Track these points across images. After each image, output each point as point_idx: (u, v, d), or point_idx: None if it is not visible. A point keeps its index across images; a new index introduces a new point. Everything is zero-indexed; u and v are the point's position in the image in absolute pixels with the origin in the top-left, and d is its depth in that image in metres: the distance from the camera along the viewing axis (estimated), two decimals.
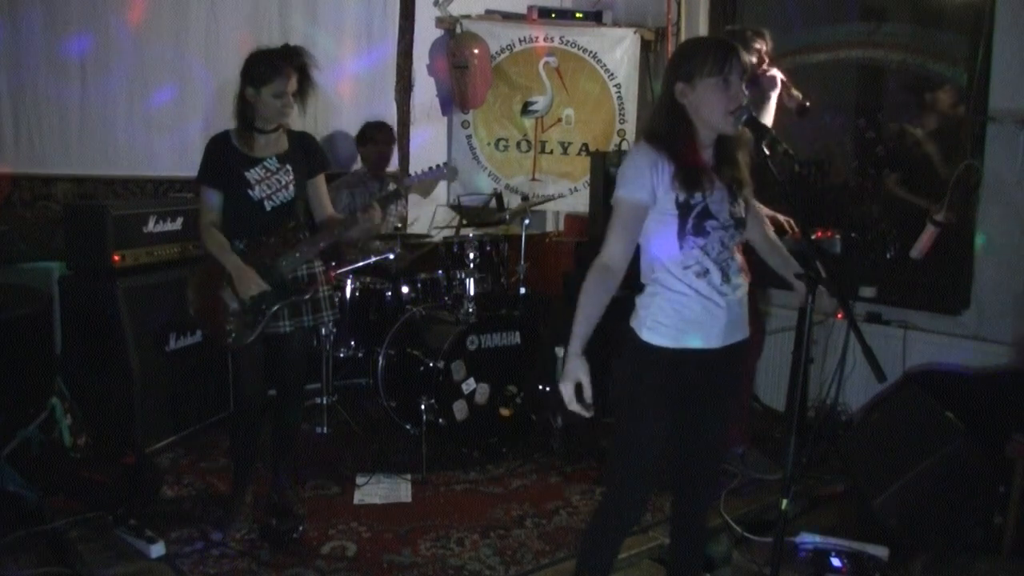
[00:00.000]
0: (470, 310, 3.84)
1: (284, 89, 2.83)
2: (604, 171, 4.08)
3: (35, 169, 3.94)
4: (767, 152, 2.05)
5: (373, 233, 3.12)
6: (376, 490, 3.45)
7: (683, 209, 2.09)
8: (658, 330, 2.14)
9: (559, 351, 3.96)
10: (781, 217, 3.53)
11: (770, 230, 2.39)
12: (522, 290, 4.31)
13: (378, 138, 4.59)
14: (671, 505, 2.55)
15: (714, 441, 2.34)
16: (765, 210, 2.86)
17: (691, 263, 2.11)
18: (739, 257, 2.21)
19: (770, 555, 2.91)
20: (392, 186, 4.47)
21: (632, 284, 2.24)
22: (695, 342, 2.14)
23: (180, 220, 3.78)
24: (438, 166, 3.09)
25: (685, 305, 2.12)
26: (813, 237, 3.46)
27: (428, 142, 5.25)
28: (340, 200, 4.31)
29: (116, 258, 3.53)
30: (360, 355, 4.19)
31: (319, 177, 3.06)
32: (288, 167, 2.94)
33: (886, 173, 4.22)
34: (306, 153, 3.02)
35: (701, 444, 2.31)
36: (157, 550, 2.84)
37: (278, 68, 2.81)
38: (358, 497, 3.38)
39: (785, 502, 2.09)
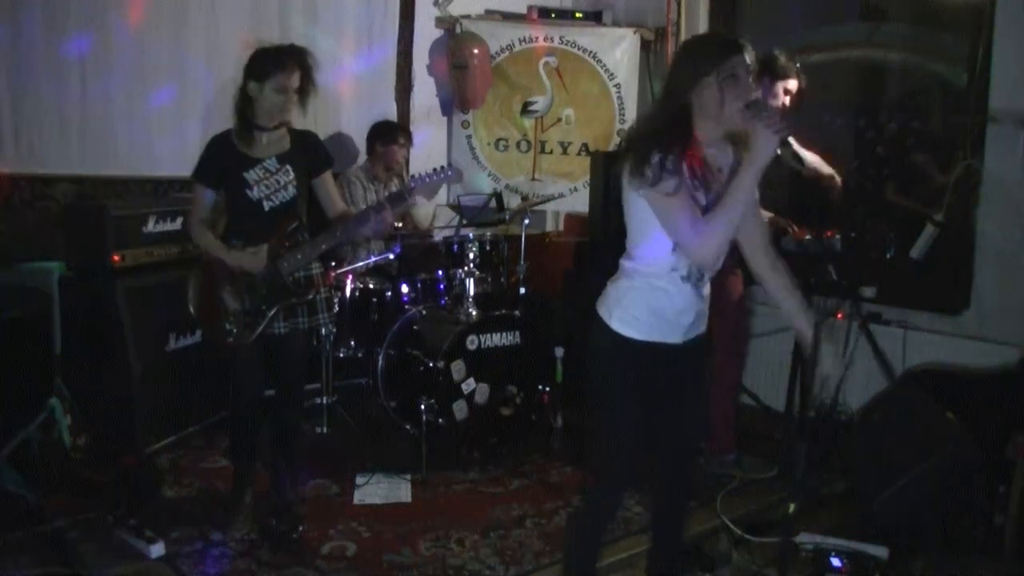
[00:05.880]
0: (470, 310, 3.84)
1: (287, 84, 2.83)
2: (604, 171, 4.07)
3: (35, 169, 3.93)
4: (778, 152, 2.05)
5: (385, 232, 3.13)
6: (376, 490, 3.45)
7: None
8: (630, 323, 2.20)
9: (559, 351, 3.96)
10: (781, 220, 3.52)
11: (770, 246, 2.30)
12: (522, 290, 4.31)
13: (401, 142, 4.49)
14: (652, 505, 2.62)
15: (682, 438, 2.38)
16: (765, 213, 2.83)
17: (680, 266, 2.16)
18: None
19: (770, 555, 2.93)
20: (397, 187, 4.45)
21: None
22: (662, 337, 2.20)
23: (180, 220, 3.77)
24: (443, 168, 3.05)
25: (663, 304, 2.18)
26: (811, 237, 3.47)
27: (428, 142, 5.24)
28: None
29: (116, 258, 3.53)
30: (360, 355, 4.18)
31: (325, 174, 3.04)
32: (288, 167, 2.93)
33: (885, 178, 4.21)
34: (307, 151, 3.00)
35: (670, 441, 2.36)
36: (157, 550, 2.85)
37: (282, 63, 2.82)
38: (358, 497, 3.38)
39: (792, 506, 2.10)
